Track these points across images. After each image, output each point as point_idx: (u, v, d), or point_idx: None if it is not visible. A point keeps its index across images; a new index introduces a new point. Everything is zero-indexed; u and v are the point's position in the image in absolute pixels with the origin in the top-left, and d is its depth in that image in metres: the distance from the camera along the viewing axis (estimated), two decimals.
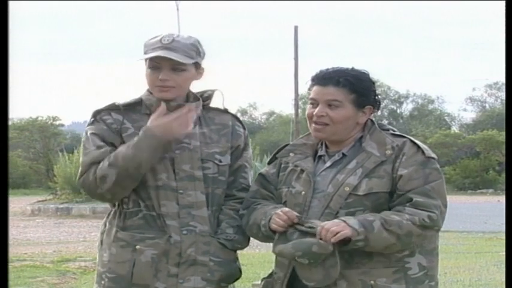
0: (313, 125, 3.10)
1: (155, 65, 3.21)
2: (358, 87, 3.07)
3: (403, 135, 3.11)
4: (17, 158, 36.30)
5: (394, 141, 3.05)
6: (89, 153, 3.20)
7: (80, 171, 3.21)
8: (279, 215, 3.01)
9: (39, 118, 39.69)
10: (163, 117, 3.17)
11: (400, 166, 3.00)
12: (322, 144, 3.16)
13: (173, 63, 3.19)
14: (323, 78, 3.08)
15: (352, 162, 3.05)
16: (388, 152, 3.02)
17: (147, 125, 3.16)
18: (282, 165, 3.22)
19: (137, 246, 3.19)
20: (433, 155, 3.06)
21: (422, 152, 3.03)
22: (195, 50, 3.24)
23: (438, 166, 3.07)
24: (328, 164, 3.10)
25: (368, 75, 3.13)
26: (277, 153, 3.28)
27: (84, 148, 3.23)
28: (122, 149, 3.16)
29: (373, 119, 3.16)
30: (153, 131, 3.14)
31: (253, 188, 3.28)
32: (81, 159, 3.24)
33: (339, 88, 3.05)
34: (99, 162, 3.16)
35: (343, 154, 3.10)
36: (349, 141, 3.11)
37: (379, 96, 3.17)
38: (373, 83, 3.14)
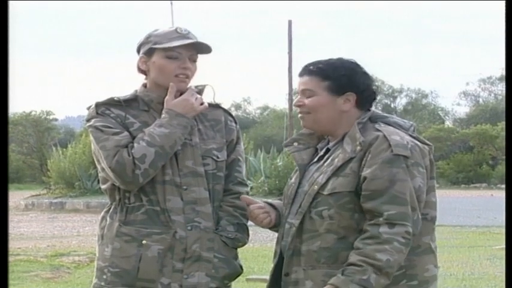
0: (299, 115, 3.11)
1: (174, 54, 3.22)
2: (330, 73, 3.02)
3: (381, 129, 2.96)
4: (10, 152, 36.25)
5: (361, 137, 2.94)
6: (108, 138, 3.17)
7: (105, 156, 3.15)
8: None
9: (33, 112, 39.61)
10: (179, 97, 3.22)
11: (365, 165, 2.90)
12: (326, 137, 3.12)
13: (192, 53, 3.24)
14: (301, 70, 3.09)
15: (329, 159, 3.01)
16: (358, 148, 2.93)
17: (167, 107, 3.21)
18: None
19: (144, 241, 3.19)
20: (404, 153, 2.89)
21: (392, 149, 2.88)
22: None
23: (411, 164, 2.89)
24: (315, 158, 3.09)
25: (349, 63, 3.06)
26: None
27: (98, 136, 3.19)
28: (154, 129, 3.18)
29: (373, 108, 3.07)
30: (175, 111, 3.20)
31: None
32: (96, 147, 3.18)
33: (312, 77, 3.04)
34: (124, 146, 3.15)
35: (327, 149, 3.07)
36: (337, 134, 3.05)
37: (374, 87, 3.07)
38: (358, 71, 3.05)
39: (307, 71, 3.06)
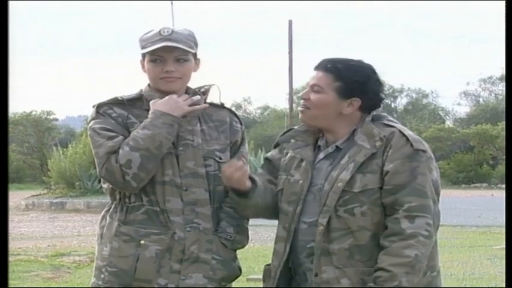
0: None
1: (158, 57, 3.21)
2: (345, 76, 3.02)
3: (393, 125, 3.02)
4: (11, 152, 36.18)
5: (381, 132, 2.98)
6: (101, 144, 3.17)
7: (97, 163, 3.18)
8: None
9: (33, 112, 39.57)
10: (164, 98, 3.20)
11: (387, 160, 2.95)
12: (323, 134, 3.12)
13: (177, 54, 3.21)
14: (318, 64, 3.08)
15: (345, 157, 3.01)
16: (378, 143, 2.97)
17: (152, 108, 3.19)
18: (284, 151, 3.20)
19: (142, 242, 3.18)
20: (422, 147, 2.97)
21: (411, 144, 2.96)
22: (193, 41, 3.28)
23: (427, 158, 2.97)
24: (321, 155, 3.08)
25: (368, 69, 3.07)
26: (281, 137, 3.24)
27: (94, 141, 3.20)
28: (138, 132, 3.15)
29: (374, 112, 3.07)
30: (160, 110, 3.17)
31: (258, 173, 3.26)
32: (93, 152, 3.21)
33: (326, 74, 3.04)
34: (115, 152, 3.14)
35: (336, 147, 3.06)
36: (343, 133, 3.06)
37: (383, 95, 3.08)
38: (373, 78, 3.06)
39: (324, 67, 3.06)
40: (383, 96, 3.11)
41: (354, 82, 3.03)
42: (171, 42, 3.20)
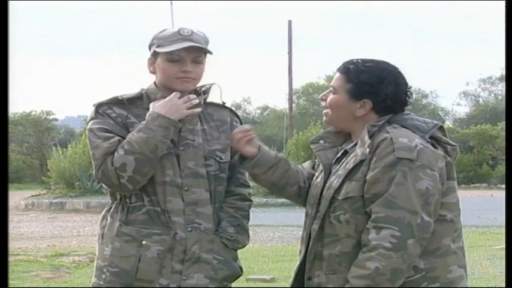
0: None
1: (175, 57, 3.20)
2: (353, 77, 2.99)
3: (390, 131, 2.91)
4: (10, 152, 36.19)
5: (369, 140, 2.90)
6: (98, 146, 3.16)
7: (94, 165, 3.18)
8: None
9: (33, 112, 39.57)
10: (164, 100, 3.19)
11: (370, 168, 2.88)
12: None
13: (195, 55, 3.22)
14: (341, 64, 3.07)
15: (344, 162, 2.99)
16: (367, 150, 2.90)
17: (151, 110, 3.18)
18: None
19: (143, 242, 3.18)
20: (409, 156, 2.83)
21: (395, 153, 2.84)
22: (207, 43, 3.29)
23: (415, 167, 2.83)
24: (333, 160, 3.07)
25: (383, 71, 2.99)
26: None
27: (92, 142, 3.19)
28: (133, 135, 3.14)
29: (389, 116, 2.98)
30: (157, 112, 3.16)
31: (305, 164, 3.28)
32: (90, 153, 3.21)
33: (341, 75, 3.03)
34: (112, 153, 3.13)
35: (345, 151, 3.05)
36: (355, 137, 3.02)
37: (403, 99, 2.99)
38: (387, 81, 2.98)
39: (341, 68, 3.04)
40: (403, 99, 3.01)
41: (363, 83, 2.98)
42: (194, 43, 3.20)
